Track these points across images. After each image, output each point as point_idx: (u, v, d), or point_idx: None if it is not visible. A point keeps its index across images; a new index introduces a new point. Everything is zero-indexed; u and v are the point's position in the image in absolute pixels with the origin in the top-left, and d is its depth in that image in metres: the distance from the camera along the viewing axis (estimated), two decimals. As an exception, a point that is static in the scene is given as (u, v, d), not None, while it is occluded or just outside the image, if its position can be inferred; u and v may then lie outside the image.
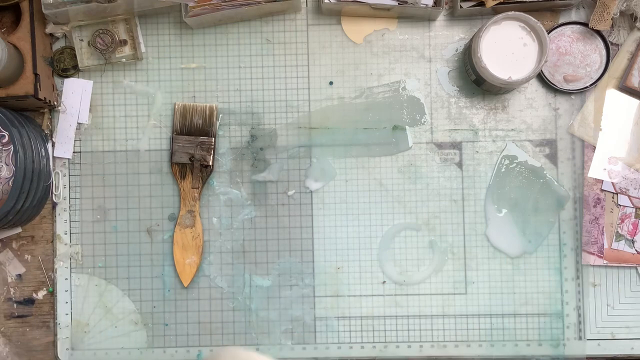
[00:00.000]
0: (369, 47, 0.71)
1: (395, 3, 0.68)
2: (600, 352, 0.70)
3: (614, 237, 0.69)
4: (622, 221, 0.69)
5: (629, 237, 0.69)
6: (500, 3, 0.67)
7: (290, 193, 0.71)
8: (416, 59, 0.71)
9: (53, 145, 0.70)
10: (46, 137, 0.70)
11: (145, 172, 0.71)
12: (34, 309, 0.71)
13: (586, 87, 0.69)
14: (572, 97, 0.70)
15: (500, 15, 0.65)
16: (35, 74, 0.66)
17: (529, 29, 0.65)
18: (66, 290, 0.70)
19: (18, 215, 0.66)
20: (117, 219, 0.71)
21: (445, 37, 0.71)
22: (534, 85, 0.70)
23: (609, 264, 0.69)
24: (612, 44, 0.69)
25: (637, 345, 0.70)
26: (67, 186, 0.71)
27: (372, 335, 0.71)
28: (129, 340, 0.71)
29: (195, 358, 0.71)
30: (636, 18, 0.68)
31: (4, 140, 0.63)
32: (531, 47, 0.65)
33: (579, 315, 0.70)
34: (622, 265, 0.69)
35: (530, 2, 0.67)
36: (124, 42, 0.70)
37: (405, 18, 0.71)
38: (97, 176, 0.71)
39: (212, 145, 0.70)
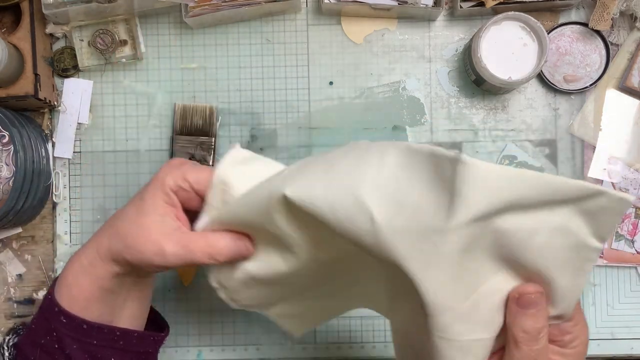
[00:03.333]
0: (369, 47, 0.71)
1: (395, 3, 0.68)
2: (600, 352, 0.70)
3: (614, 237, 0.69)
4: (622, 221, 0.69)
5: (629, 237, 0.69)
6: (500, 3, 0.67)
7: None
8: (416, 59, 0.71)
9: (53, 145, 0.71)
10: (46, 137, 0.70)
11: (145, 172, 0.71)
12: (34, 309, 0.71)
13: (586, 87, 0.69)
14: (572, 97, 0.70)
15: (500, 16, 0.65)
16: (35, 74, 0.66)
17: (529, 29, 0.65)
18: (66, 290, 0.70)
19: (18, 215, 0.66)
20: (117, 219, 0.71)
21: (445, 37, 0.71)
22: (534, 85, 0.71)
23: (608, 264, 0.69)
24: (612, 44, 0.69)
25: (637, 345, 0.70)
26: (67, 186, 0.71)
27: (372, 335, 0.71)
28: (129, 340, 0.71)
29: (195, 358, 0.71)
30: (636, 18, 0.68)
31: (4, 140, 0.63)
32: (531, 47, 0.65)
33: (579, 315, 0.70)
34: (622, 265, 0.70)
35: (530, 2, 0.67)
36: (124, 42, 0.70)
37: (405, 18, 0.71)
38: (97, 176, 0.71)
39: (212, 145, 0.70)
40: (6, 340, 0.65)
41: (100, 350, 0.52)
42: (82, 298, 0.51)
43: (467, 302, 0.41)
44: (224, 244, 0.48)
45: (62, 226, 0.71)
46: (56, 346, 0.51)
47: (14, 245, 0.71)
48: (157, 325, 0.60)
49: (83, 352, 0.51)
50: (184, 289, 0.71)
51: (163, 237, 0.48)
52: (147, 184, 0.51)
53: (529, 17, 0.64)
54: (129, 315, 0.54)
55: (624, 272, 0.70)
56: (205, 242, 0.48)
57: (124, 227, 0.50)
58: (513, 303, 0.42)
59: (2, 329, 0.70)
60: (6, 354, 0.61)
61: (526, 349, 0.41)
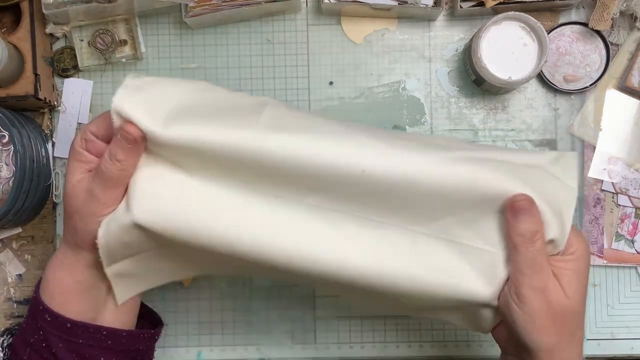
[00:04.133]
0: (369, 47, 0.71)
1: (395, 3, 0.68)
2: (600, 352, 0.70)
3: (614, 237, 0.69)
4: (622, 221, 0.69)
5: (629, 237, 0.69)
6: (500, 3, 0.67)
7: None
8: (416, 59, 0.71)
9: (53, 145, 0.71)
10: (46, 137, 0.70)
11: (145, 172, 0.71)
12: (34, 309, 0.71)
13: (586, 87, 0.69)
14: (572, 97, 0.70)
15: (500, 15, 0.65)
16: (36, 74, 0.66)
17: (529, 29, 0.65)
18: (66, 290, 0.70)
19: (18, 215, 0.66)
20: (117, 219, 0.71)
21: (445, 37, 0.71)
22: (534, 85, 0.70)
23: (608, 264, 0.69)
24: (612, 44, 0.69)
25: (637, 345, 0.70)
26: (67, 186, 0.71)
27: (372, 335, 0.71)
28: (129, 340, 0.70)
29: (196, 358, 0.71)
30: (636, 18, 0.68)
31: (4, 140, 0.63)
32: (531, 47, 0.65)
33: (579, 315, 0.70)
34: (622, 265, 0.70)
35: (530, 2, 0.67)
36: (124, 42, 0.70)
37: (405, 18, 0.71)
38: (97, 176, 0.71)
39: (212, 145, 0.70)
40: (1, 341, 0.65)
41: (87, 350, 0.52)
42: (60, 292, 0.51)
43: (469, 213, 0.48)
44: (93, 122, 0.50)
45: (62, 226, 0.71)
46: (44, 345, 0.51)
47: (14, 245, 0.71)
48: (152, 322, 0.60)
49: (69, 351, 0.51)
50: (184, 289, 0.71)
51: (81, 191, 0.50)
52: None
53: (529, 17, 0.64)
54: (113, 312, 0.54)
55: (624, 272, 0.70)
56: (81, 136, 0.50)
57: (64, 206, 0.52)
58: (507, 212, 0.46)
59: (2, 329, 0.70)
60: (1, 354, 0.61)
61: (524, 251, 0.46)
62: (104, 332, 0.52)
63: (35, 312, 0.52)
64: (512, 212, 0.46)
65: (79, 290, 0.52)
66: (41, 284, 0.53)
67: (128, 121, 0.47)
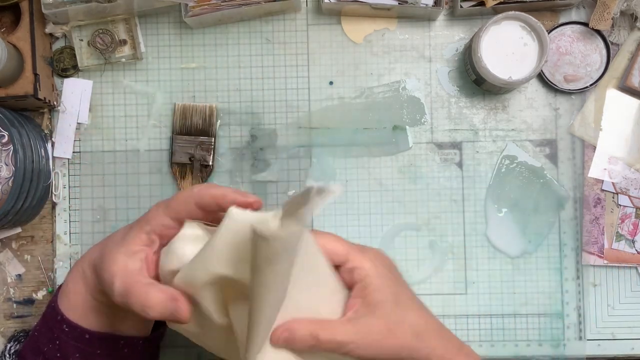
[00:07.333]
0: (369, 47, 0.71)
1: (395, 3, 0.68)
2: (601, 352, 0.70)
3: (614, 237, 0.69)
4: (623, 221, 0.69)
5: (629, 237, 0.69)
6: (500, 3, 0.67)
7: (290, 193, 0.71)
8: (416, 59, 0.71)
9: (53, 145, 0.70)
10: (46, 137, 0.70)
11: (145, 172, 0.71)
12: (33, 309, 0.71)
13: (586, 87, 0.69)
14: (572, 97, 0.70)
15: (500, 15, 0.65)
16: (35, 74, 0.66)
17: (529, 29, 0.65)
18: (66, 291, 0.70)
19: (18, 215, 0.66)
20: (117, 219, 0.71)
21: (445, 37, 0.71)
22: (534, 85, 0.70)
23: (609, 264, 0.69)
24: (612, 43, 0.69)
25: (637, 345, 0.70)
26: (67, 186, 0.71)
27: (372, 335, 0.70)
28: (129, 341, 0.70)
29: (195, 358, 0.71)
30: (636, 18, 0.68)
31: (4, 140, 0.63)
32: (531, 47, 0.65)
33: (579, 315, 0.70)
34: (623, 265, 0.69)
35: (530, 2, 0.67)
36: (124, 42, 0.70)
37: (405, 18, 0.71)
38: (97, 176, 0.71)
39: (212, 145, 0.70)
40: (8, 347, 0.65)
41: None
42: (80, 306, 0.51)
43: None
44: (156, 302, 0.46)
45: (61, 226, 0.71)
46: (58, 355, 0.51)
47: (14, 245, 0.71)
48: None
49: None
50: (183, 289, 0.71)
51: (119, 272, 0.47)
52: (142, 216, 0.51)
53: (529, 16, 0.64)
54: (132, 327, 0.54)
55: (625, 272, 0.70)
56: (144, 294, 0.46)
57: (106, 247, 0.50)
58: None
59: (2, 329, 0.70)
60: None
61: None
62: (122, 342, 0.52)
63: (52, 322, 0.52)
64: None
65: (98, 308, 0.51)
66: (61, 294, 0.52)
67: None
